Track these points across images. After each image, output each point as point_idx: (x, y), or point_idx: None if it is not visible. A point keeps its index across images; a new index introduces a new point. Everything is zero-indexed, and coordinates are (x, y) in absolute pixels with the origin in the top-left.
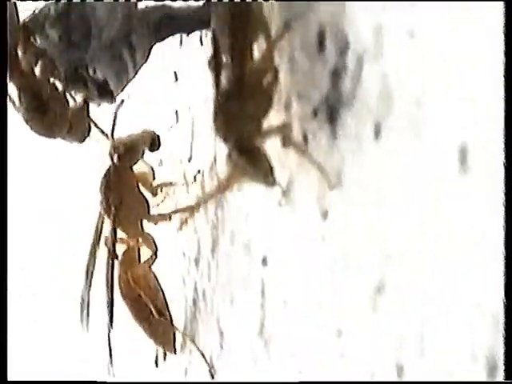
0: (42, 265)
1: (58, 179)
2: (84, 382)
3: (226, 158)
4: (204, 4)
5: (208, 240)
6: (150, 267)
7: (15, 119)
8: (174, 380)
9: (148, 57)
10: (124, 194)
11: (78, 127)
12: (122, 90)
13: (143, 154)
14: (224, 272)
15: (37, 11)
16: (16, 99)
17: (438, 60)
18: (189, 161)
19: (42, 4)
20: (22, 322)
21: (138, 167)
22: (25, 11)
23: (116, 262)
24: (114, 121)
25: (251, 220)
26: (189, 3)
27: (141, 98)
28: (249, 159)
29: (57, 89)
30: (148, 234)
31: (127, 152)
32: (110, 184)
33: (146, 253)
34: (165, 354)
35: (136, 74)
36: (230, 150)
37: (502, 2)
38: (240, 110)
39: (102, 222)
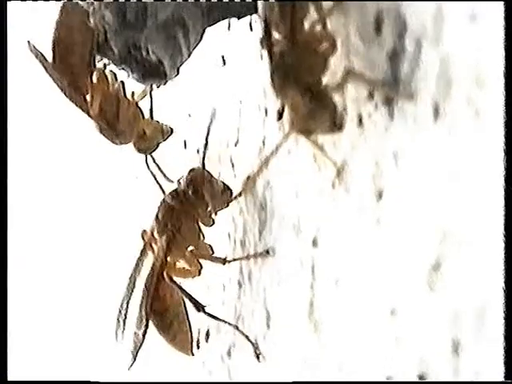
0: (42, 265)
1: (58, 179)
2: (84, 382)
3: (287, 107)
4: None
5: (255, 222)
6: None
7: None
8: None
9: (201, 39)
10: (183, 222)
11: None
12: (176, 72)
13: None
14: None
15: None
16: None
17: (499, 44)
18: (235, 145)
19: None
20: (21, 322)
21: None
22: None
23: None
24: (208, 132)
25: (302, 200)
26: None
27: (187, 81)
28: (312, 99)
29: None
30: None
31: (195, 196)
32: (172, 210)
33: None
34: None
35: (189, 55)
36: (292, 97)
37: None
38: (297, 64)
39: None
